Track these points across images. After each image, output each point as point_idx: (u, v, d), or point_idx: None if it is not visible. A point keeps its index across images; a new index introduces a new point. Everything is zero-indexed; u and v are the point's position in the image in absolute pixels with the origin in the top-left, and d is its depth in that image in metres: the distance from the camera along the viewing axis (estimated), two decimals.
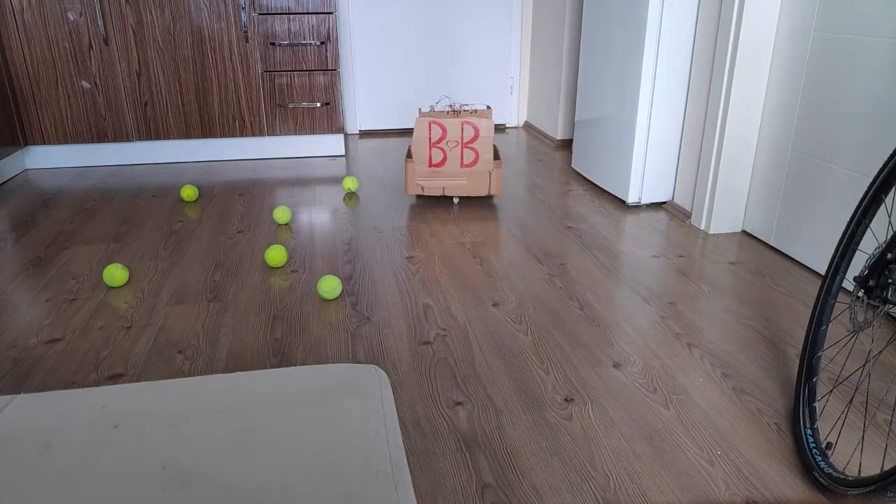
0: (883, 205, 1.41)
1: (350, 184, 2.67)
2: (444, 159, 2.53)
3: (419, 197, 2.64)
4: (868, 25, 1.69)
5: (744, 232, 2.26)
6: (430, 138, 2.50)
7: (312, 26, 2.99)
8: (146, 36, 2.89)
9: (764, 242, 2.16)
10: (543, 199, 2.61)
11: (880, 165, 1.54)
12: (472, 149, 2.52)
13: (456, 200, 2.69)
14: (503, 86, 3.88)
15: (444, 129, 2.49)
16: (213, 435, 0.67)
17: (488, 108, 2.66)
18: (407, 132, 3.84)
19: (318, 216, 2.44)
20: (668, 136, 2.39)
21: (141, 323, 1.67)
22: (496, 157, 2.60)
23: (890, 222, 1.61)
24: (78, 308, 1.75)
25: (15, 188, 2.79)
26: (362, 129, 3.82)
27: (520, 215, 2.43)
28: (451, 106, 2.73)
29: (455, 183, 2.57)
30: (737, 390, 1.40)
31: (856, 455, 1.21)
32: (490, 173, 2.55)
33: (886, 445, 1.23)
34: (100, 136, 3.01)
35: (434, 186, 2.57)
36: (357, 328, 1.64)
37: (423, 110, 2.77)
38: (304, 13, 2.97)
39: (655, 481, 1.15)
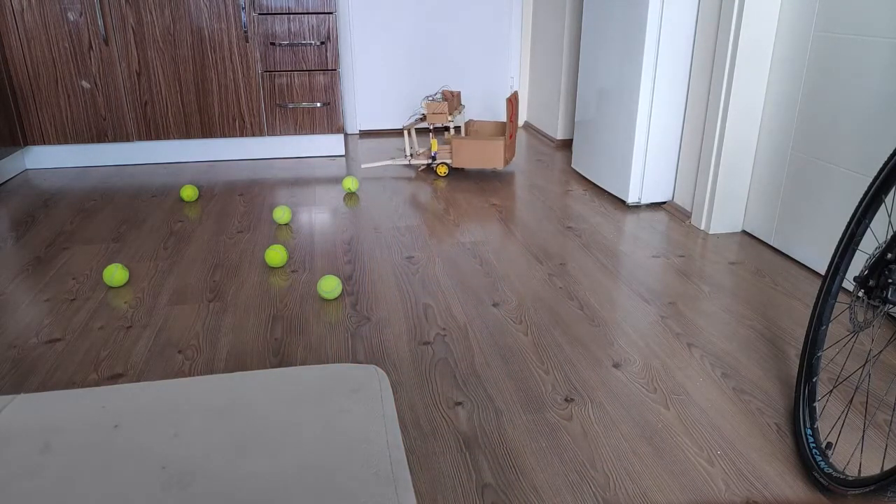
0: (883, 205, 1.41)
1: (350, 184, 2.67)
2: (512, 132, 2.93)
3: (419, 196, 2.64)
4: (868, 25, 1.69)
5: (744, 232, 2.26)
6: (509, 116, 2.84)
7: (312, 26, 2.99)
8: (146, 36, 2.89)
9: (764, 242, 2.16)
10: (543, 199, 2.61)
11: (880, 165, 1.54)
12: (514, 122, 2.91)
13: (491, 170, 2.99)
14: (503, 86, 3.87)
15: (512, 105, 2.84)
16: (213, 435, 0.67)
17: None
18: None
19: (318, 216, 2.44)
20: (668, 136, 2.39)
21: (141, 323, 1.67)
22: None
23: (890, 222, 1.61)
24: (78, 308, 1.75)
25: (15, 188, 2.79)
26: (362, 129, 3.82)
27: (520, 215, 2.43)
28: (450, 92, 2.95)
29: (510, 153, 2.94)
30: (737, 390, 1.40)
31: (856, 455, 1.21)
32: (508, 140, 2.92)
33: (886, 445, 1.23)
34: (100, 136, 3.01)
35: (507, 158, 2.91)
36: (357, 328, 1.64)
37: (424, 101, 2.87)
38: (304, 13, 2.97)
39: (655, 481, 1.14)
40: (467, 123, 3.01)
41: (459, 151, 2.83)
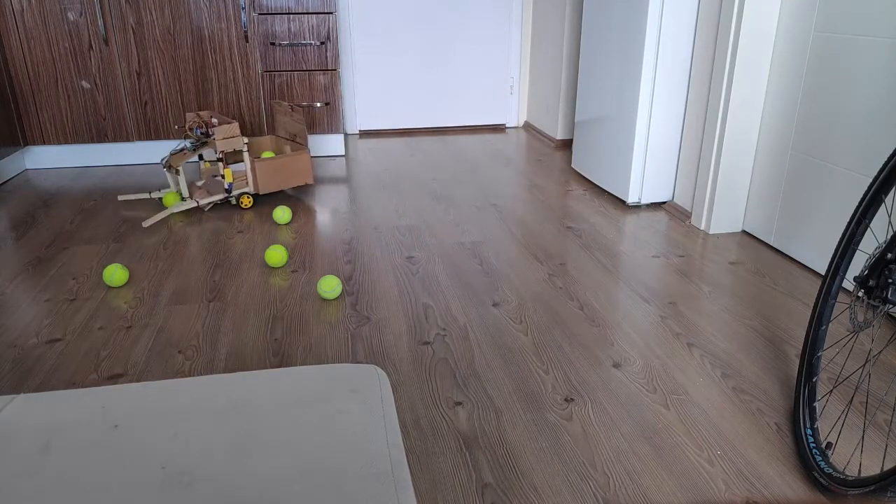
0: (883, 205, 1.41)
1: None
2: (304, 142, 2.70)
3: (420, 197, 2.64)
4: (868, 25, 1.69)
5: (744, 232, 2.26)
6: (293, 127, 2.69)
7: (312, 26, 2.99)
8: (146, 36, 2.89)
9: (764, 242, 2.16)
10: (543, 199, 2.61)
11: (880, 165, 1.54)
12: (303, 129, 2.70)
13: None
14: (503, 86, 3.87)
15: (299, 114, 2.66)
16: (213, 435, 0.67)
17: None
18: (407, 132, 3.84)
19: (318, 216, 2.44)
20: (668, 136, 2.39)
21: (141, 323, 1.67)
22: None
23: (890, 222, 1.61)
24: (78, 308, 1.75)
25: (15, 188, 2.79)
26: (362, 129, 3.82)
27: (520, 215, 2.43)
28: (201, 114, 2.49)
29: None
30: (737, 390, 1.40)
31: (856, 455, 1.21)
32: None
33: (886, 445, 1.23)
34: (100, 136, 3.01)
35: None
36: (357, 328, 1.64)
37: (191, 132, 2.43)
38: (304, 13, 2.97)
39: (655, 481, 1.14)
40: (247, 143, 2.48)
41: (264, 175, 2.46)
